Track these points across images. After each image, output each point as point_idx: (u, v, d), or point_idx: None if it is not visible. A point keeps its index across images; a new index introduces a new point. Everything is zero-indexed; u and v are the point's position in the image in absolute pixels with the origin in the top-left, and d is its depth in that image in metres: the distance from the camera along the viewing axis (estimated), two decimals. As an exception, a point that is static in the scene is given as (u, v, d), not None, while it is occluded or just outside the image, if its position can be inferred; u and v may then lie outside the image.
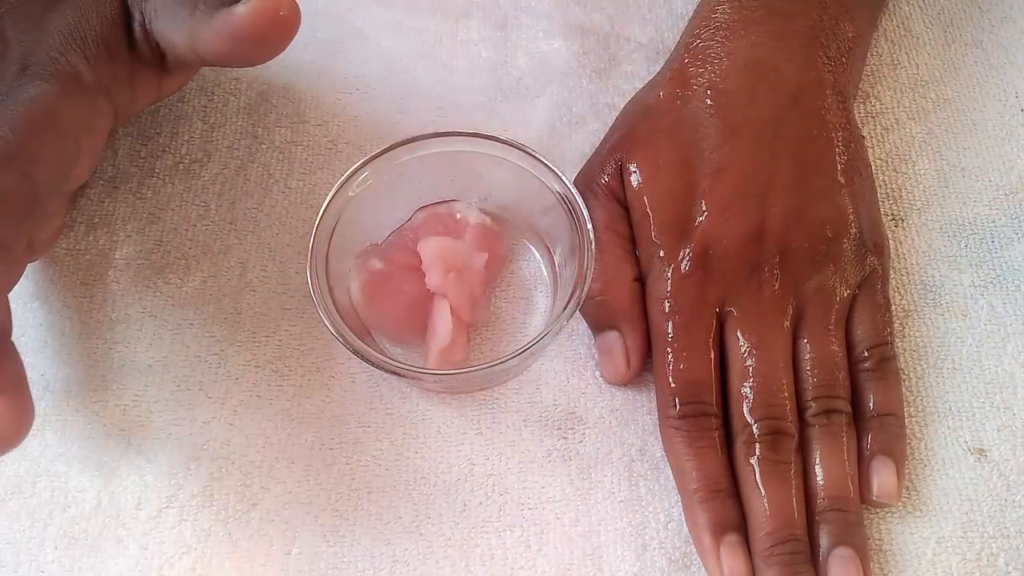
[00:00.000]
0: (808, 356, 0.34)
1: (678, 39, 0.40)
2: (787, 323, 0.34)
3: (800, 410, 0.33)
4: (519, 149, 0.35)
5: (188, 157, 0.41)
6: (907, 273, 0.38)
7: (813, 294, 0.34)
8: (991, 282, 0.38)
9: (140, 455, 0.35)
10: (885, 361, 0.34)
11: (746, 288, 0.34)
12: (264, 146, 0.41)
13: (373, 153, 0.35)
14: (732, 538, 0.32)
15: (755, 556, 0.32)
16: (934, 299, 0.37)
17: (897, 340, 0.36)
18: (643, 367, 0.35)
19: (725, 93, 0.36)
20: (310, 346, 0.37)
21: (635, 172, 0.36)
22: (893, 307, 0.37)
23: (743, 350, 0.33)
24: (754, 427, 0.32)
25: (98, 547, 0.33)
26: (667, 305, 0.34)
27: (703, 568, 0.33)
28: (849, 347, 0.35)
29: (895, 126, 0.41)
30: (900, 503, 0.34)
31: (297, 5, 0.30)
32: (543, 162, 0.35)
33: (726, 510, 0.32)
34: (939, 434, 0.35)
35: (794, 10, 0.37)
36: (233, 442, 0.35)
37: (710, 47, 0.37)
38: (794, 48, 0.37)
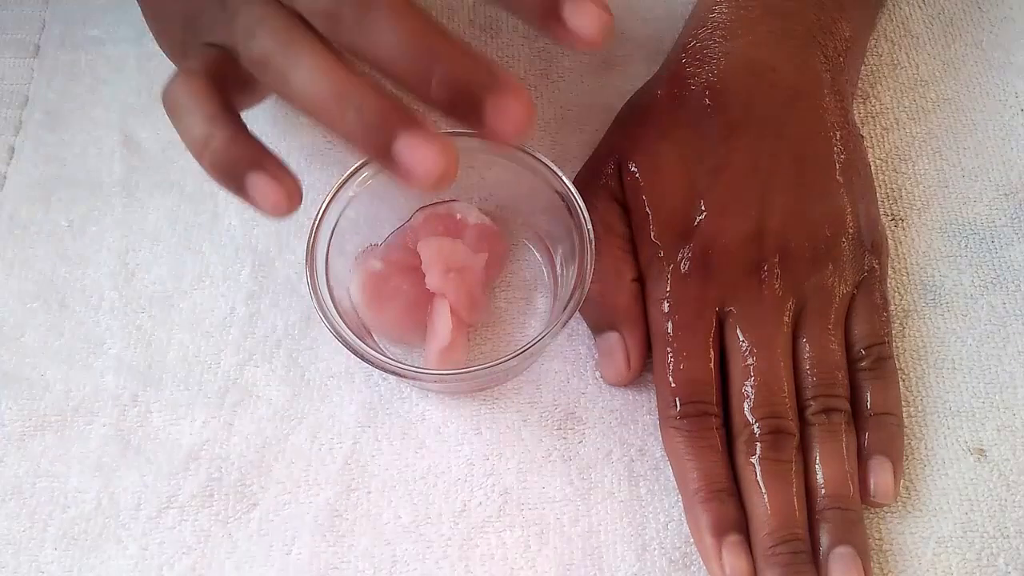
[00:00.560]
0: (807, 355, 0.34)
1: (676, 39, 0.40)
2: (786, 322, 0.34)
3: (800, 409, 0.33)
4: (519, 149, 0.35)
5: (187, 157, 0.41)
6: (907, 273, 0.38)
7: (812, 293, 0.34)
8: (991, 282, 0.38)
9: (140, 455, 0.35)
10: (883, 360, 0.34)
11: (746, 287, 0.34)
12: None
13: (373, 153, 0.35)
14: (733, 538, 0.32)
15: (756, 556, 0.31)
16: (934, 299, 0.37)
17: (897, 340, 0.36)
18: (643, 368, 0.35)
19: (723, 93, 0.36)
20: (309, 346, 0.37)
21: (634, 172, 0.36)
22: (892, 307, 0.37)
23: (743, 349, 0.33)
24: (755, 426, 0.32)
25: (98, 547, 0.33)
26: (667, 305, 0.34)
27: (703, 568, 0.33)
28: (847, 346, 0.35)
29: (895, 126, 0.41)
30: (900, 503, 0.34)
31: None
32: (543, 162, 0.35)
33: (727, 510, 0.32)
34: (939, 434, 0.35)
35: (791, 10, 0.37)
36: (232, 442, 0.35)
37: (708, 47, 0.37)
38: (792, 48, 0.37)
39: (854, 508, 0.32)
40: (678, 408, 0.33)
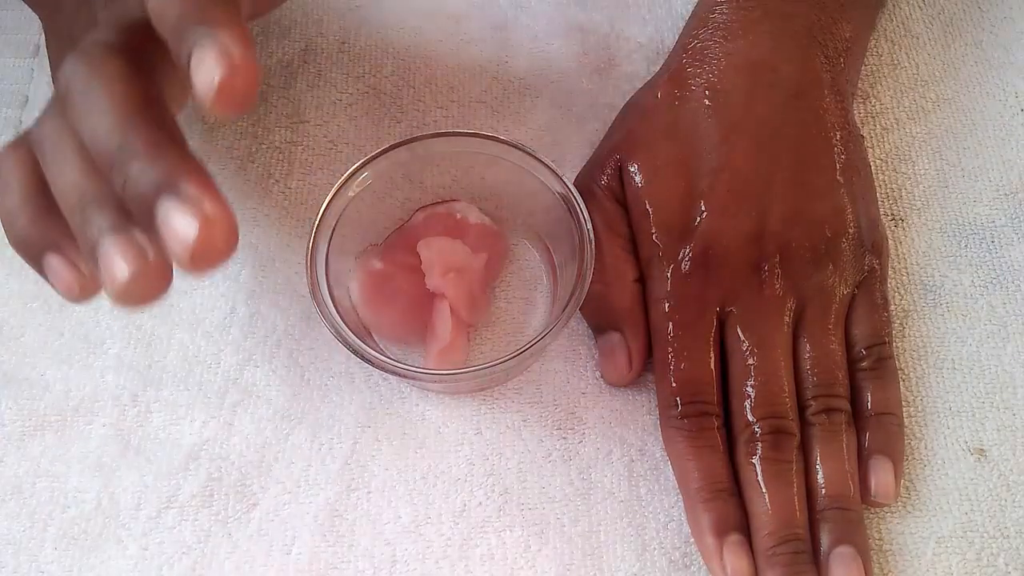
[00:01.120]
0: (808, 355, 0.34)
1: (677, 39, 0.40)
2: (787, 322, 0.34)
3: (800, 409, 0.33)
4: (519, 149, 0.35)
5: (188, 157, 0.41)
6: (907, 273, 0.38)
7: (813, 293, 0.34)
8: (991, 282, 0.38)
9: (139, 455, 0.35)
10: (883, 360, 0.34)
11: (746, 287, 0.34)
12: (264, 146, 0.41)
13: (373, 153, 0.35)
14: (735, 538, 0.32)
15: (757, 556, 0.31)
16: (934, 299, 0.37)
17: (897, 340, 0.36)
18: (644, 368, 0.35)
19: (723, 93, 0.36)
20: (309, 346, 0.37)
21: (634, 172, 0.36)
22: (893, 307, 0.37)
23: (744, 349, 0.33)
24: (756, 426, 0.32)
25: (98, 547, 0.33)
26: (667, 305, 0.34)
27: (703, 568, 0.33)
28: (848, 346, 0.35)
29: (895, 126, 0.41)
30: (900, 503, 0.34)
31: None
32: (543, 162, 0.35)
33: (728, 510, 0.32)
34: (939, 434, 0.35)
35: (792, 10, 0.37)
36: (232, 442, 0.35)
37: (708, 47, 0.37)
38: (792, 48, 0.37)
39: (855, 508, 0.32)
40: (679, 408, 0.33)
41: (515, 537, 0.33)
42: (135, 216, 0.23)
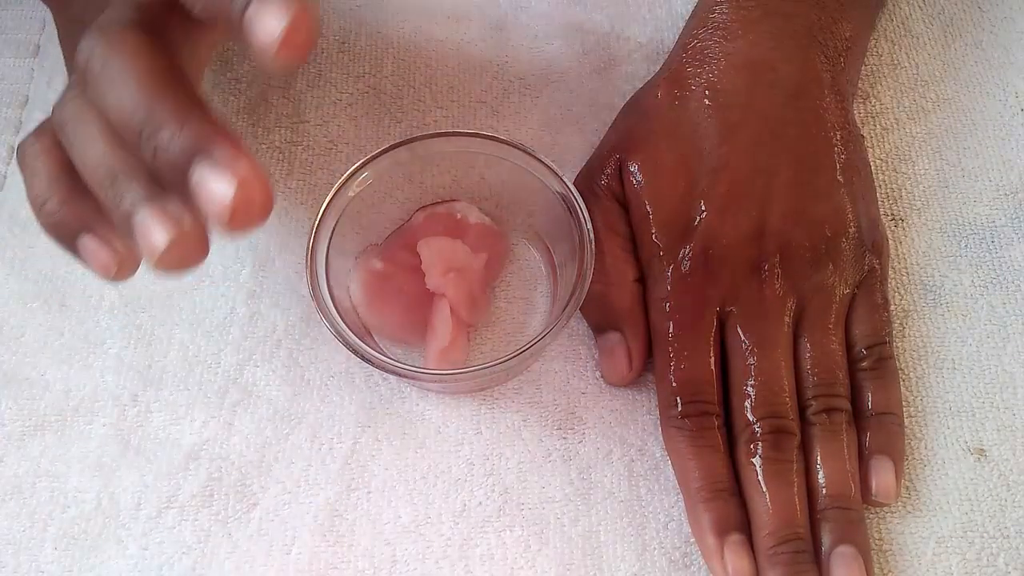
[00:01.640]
0: (808, 354, 0.34)
1: (677, 39, 0.40)
2: (787, 322, 0.34)
3: (801, 408, 0.33)
4: (519, 149, 0.35)
5: (188, 157, 0.41)
6: (907, 273, 0.38)
7: (813, 293, 0.34)
8: (991, 282, 0.38)
9: (139, 455, 0.35)
10: (883, 360, 0.34)
11: (746, 287, 0.34)
12: (264, 146, 0.41)
13: (373, 153, 0.35)
14: (735, 538, 0.32)
15: (758, 555, 0.31)
16: (934, 299, 0.37)
17: (897, 340, 0.36)
18: (644, 368, 0.35)
19: (724, 93, 0.36)
20: (309, 346, 0.37)
21: (635, 172, 0.36)
22: (893, 307, 0.37)
23: (744, 349, 0.33)
24: (756, 426, 0.32)
25: (98, 547, 0.33)
26: (667, 305, 0.34)
27: (704, 568, 0.33)
28: (848, 346, 0.35)
29: (895, 126, 0.41)
30: (900, 503, 0.34)
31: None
32: (543, 162, 0.35)
33: (729, 510, 0.32)
34: (939, 434, 0.35)
35: (792, 10, 0.37)
36: (232, 442, 0.35)
37: (708, 47, 0.37)
38: (792, 48, 0.37)
39: (855, 508, 0.32)
40: (679, 407, 0.33)
41: (515, 537, 0.33)
42: (167, 184, 0.24)
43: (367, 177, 0.35)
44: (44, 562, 0.33)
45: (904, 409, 0.35)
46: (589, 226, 0.34)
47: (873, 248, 0.36)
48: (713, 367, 0.34)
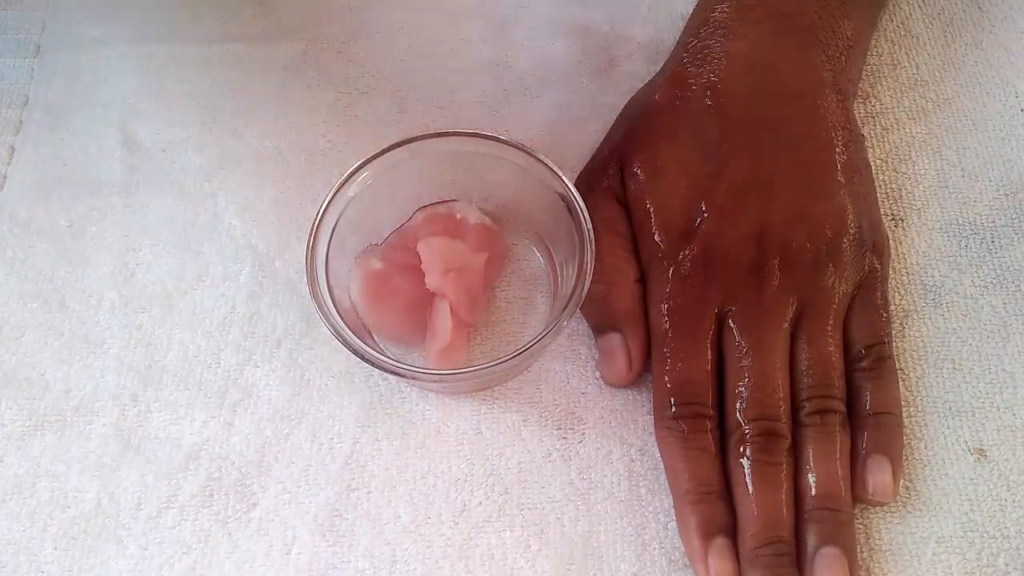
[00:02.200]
0: (805, 356, 0.34)
1: (678, 38, 0.40)
2: (786, 323, 0.34)
3: (794, 410, 0.33)
4: (519, 149, 0.35)
5: (183, 160, 0.41)
6: (907, 273, 0.38)
7: (813, 294, 0.34)
8: (991, 282, 0.38)
9: (139, 455, 0.35)
10: (882, 360, 0.34)
11: (746, 288, 0.34)
12: (263, 146, 0.41)
13: (373, 153, 0.35)
14: (720, 541, 0.32)
15: (741, 556, 0.32)
16: (934, 299, 0.37)
17: (897, 340, 0.36)
18: (644, 368, 0.35)
19: (725, 93, 0.36)
20: (309, 346, 0.37)
21: (636, 172, 0.36)
22: (893, 307, 0.37)
23: (739, 350, 0.33)
24: (747, 428, 0.32)
25: (98, 547, 0.33)
26: (667, 306, 0.34)
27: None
28: (847, 346, 0.35)
29: (895, 126, 0.41)
30: (900, 502, 0.34)
31: None
32: (543, 162, 0.35)
33: (716, 513, 0.32)
34: (939, 434, 0.35)
35: (793, 9, 0.37)
36: (232, 442, 0.35)
37: (709, 47, 0.37)
38: (793, 48, 0.37)
39: (843, 509, 0.32)
40: (673, 408, 0.33)
41: (515, 537, 0.33)
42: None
43: (367, 177, 0.35)
44: (44, 562, 0.33)
45: (904, 409, 0.35)
46: (589, 226, 0.34)
47: (874, 249, 0.36)
48: (709, 369, 0.34)
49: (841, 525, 0.32)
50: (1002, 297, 0.37)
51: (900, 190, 0.40)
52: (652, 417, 0.35)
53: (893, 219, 0.39)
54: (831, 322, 0.34)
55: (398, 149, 0.35)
